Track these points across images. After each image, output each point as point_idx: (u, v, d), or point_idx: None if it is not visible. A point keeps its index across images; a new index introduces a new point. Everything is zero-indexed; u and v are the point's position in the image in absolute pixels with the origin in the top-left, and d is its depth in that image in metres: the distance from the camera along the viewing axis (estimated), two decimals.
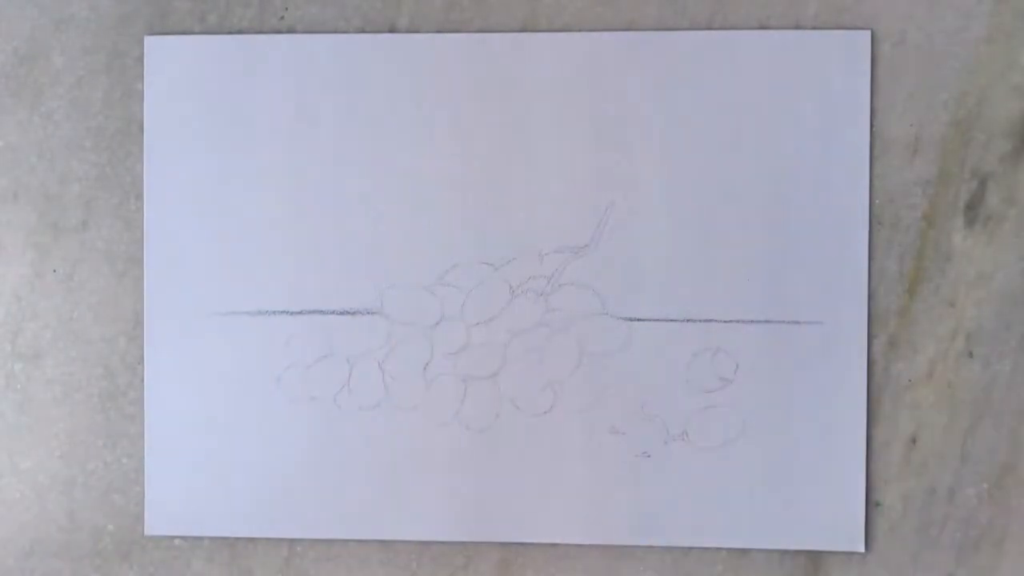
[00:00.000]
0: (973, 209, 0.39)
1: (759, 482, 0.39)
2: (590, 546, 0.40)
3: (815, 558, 0.39)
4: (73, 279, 0.41)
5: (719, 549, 0.39)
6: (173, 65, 0.40)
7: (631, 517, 0.39)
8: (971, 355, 0.39)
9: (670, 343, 0.39)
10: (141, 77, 0.40)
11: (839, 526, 0.39)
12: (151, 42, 0.40)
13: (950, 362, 0.39)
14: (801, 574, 0.39)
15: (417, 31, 0.40)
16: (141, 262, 0.40)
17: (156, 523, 0.40)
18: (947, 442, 0.39)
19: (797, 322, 0.39)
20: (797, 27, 0.39)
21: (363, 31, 0.40)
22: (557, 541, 0.39)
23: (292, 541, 0.40)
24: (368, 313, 0.40)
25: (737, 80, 0.39)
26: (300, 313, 0.40)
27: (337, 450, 0.40)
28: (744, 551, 0.39)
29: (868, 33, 0.39)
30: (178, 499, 0.40)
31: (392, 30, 0.40)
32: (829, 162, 0.39)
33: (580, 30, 0.39)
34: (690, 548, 0.39)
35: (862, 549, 0.39)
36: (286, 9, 0.40)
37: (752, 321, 0.39)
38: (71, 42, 0.40)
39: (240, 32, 0.40)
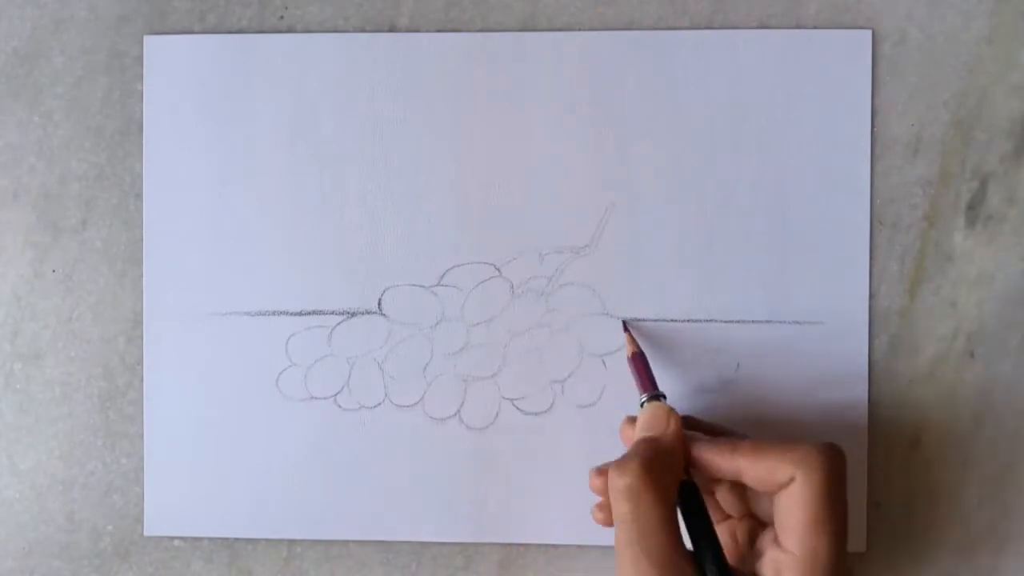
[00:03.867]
0: (974, 209, 0.39)
1: None
2: (590, 546, 0.39)
3: None
4: (72, 279, 0.41)
5: None
6: (172, 65, 0.40)
7: None
8: (972, 355, 0.39)
9: (670, 343, 0.39)
10: (140, 77, 0.40)
11: None
12: (150, 42, 0.40)
13: (951, 362, 0.39)
14: None
15: (417, 30, 0.40)
16: (140, 262, 0.40)
17: (155, 523, 0.40)
18: (948, 442, 0.39)
19: (798, 322, 0.39)
20: (798, 26, 0.39)
21: (363, 30, 0.40)
22: (557, 541, 0.39)
23: (292, 542, 0.40)
24: (368, 313, 0.40)
25: (737, 80, 0.39)
26: (300, 313, 0.40)
27: (337, 450, 0.40)
28: None
29: (869, 32, 0.39)
30: (177, 499, 0.40)
31: (392, 29, 0.40)
32: (830, 162, 0.39)
33: (580, 29, 0.39)
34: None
35: (863, 549, 0.39)
36: (286, 8, 0.40)
37: (753, 321, 0.39)
38: (71, 42, 0.40)
39: (240, 31, 0.40)
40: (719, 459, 0.34)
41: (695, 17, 0.39)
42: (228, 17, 0.40)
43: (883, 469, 0.39)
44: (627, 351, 0.38)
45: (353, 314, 0.40)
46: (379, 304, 0.40)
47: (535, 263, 0.39)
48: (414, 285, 0.40)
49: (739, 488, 0.35)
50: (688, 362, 0.39)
